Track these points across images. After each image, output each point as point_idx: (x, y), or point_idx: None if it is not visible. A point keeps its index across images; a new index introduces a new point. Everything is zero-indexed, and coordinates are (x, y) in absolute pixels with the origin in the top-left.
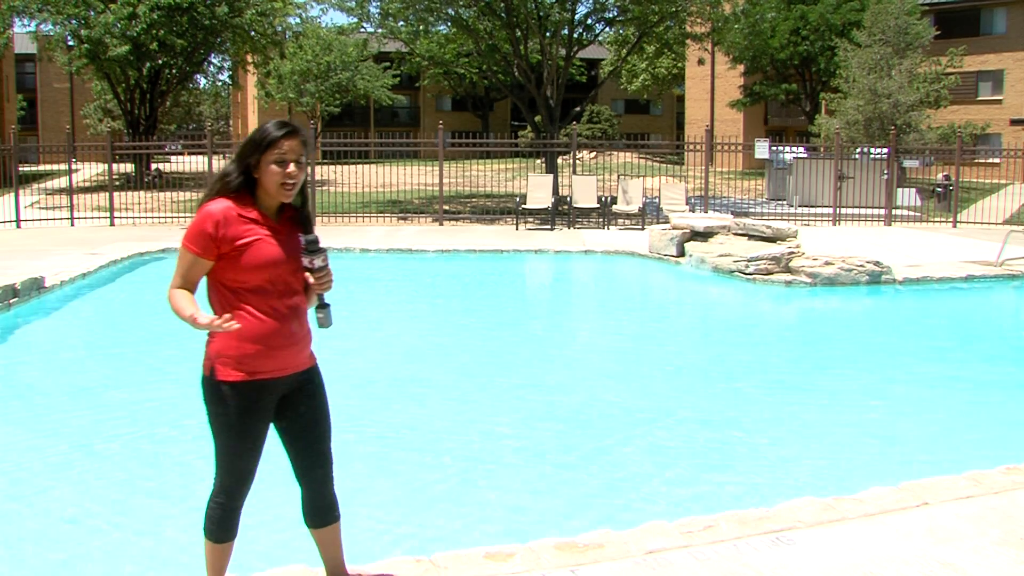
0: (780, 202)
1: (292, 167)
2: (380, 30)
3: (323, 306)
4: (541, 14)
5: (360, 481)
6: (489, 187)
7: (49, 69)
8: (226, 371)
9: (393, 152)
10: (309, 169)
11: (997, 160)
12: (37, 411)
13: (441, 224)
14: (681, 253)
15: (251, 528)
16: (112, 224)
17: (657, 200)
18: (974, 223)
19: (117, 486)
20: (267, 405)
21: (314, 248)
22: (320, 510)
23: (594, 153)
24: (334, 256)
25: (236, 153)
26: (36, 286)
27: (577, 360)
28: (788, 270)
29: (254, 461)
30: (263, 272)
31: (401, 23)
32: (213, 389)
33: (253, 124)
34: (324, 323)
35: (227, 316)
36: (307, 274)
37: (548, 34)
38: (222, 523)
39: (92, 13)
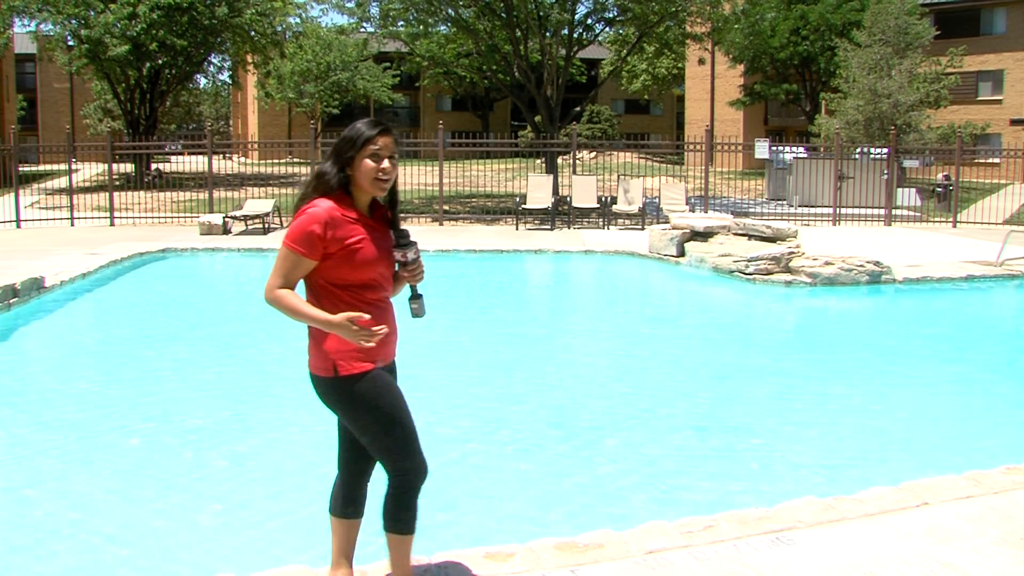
0: (780, 202)
1: (386, 162)
2: (380, 30)
3: (416, 296)
4: (541, 14)
5: None
6: (489, 187)
7: (49, 69)
8: (354, 364)
9: None
10: (308, 169)
11: (997, 160)
12: (37, 411)
13: (441, 224)
14: (681, 253)
15: (251, 528)
16: (112, 224)
17: (657, 200)
18: (974, 223)
19: (118, 485)
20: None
21: (406, 242)
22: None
23: (594, 153)
24: None
25: (331, 153)
26: (36, 286)
27: (576, 360)
28: (788, 270)
29: (415, 430)
30: (371, 269)
31: (401, 23)
32: (343, 386)
33: (253, 124)
34: (418, 313)
35: (372, 322)
36: (399, 267)
37: (548, 34)
38: (411, 508)
39: (92, 13)
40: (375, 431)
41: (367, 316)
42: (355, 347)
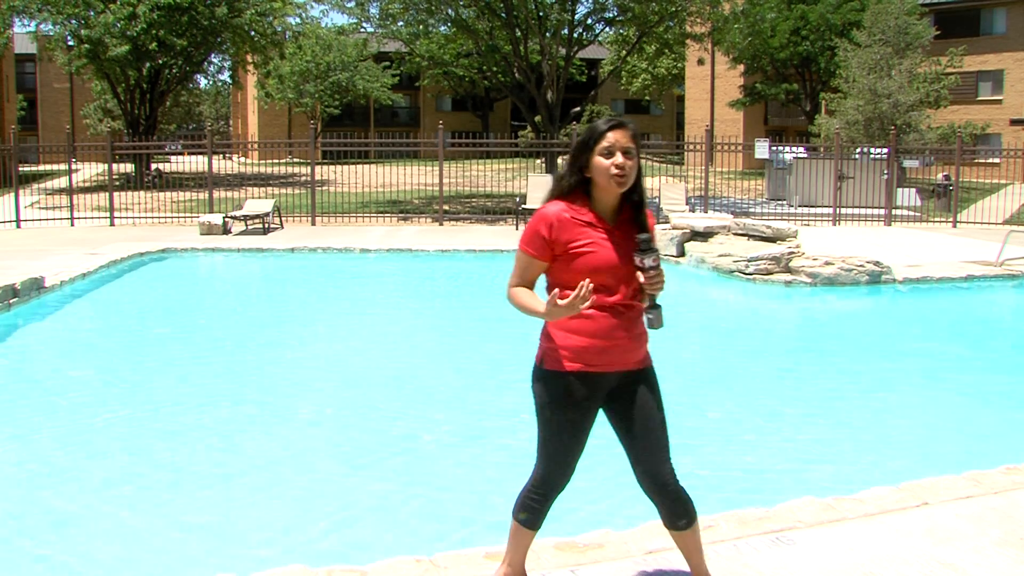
0: (780, 202)
1: (619, 157)
2: (380, 30)
3: (654, 307)
4: (541, 14)
5: (360, 481)
6: (489, 187)
7: (49, 69)
8: (561, 362)
9: (393, 152)
10: (308, 169)
11: (997, 160)
12: (37, 411)
13: (441, 224)
14: (681, 253)
15: (251, 527)
16: (112, 224)
17: (657, 200)
18: (974, 223)
19: (117, 485)
20: (593, 398)
21: (645, 247)
22: (668, 514)
23: None
24: (333, 256)
25: (569, 155)
26: (36, 286)
27: None
28: (788, 270)
29: (575, 454)
30: (597, 275)
31: (401, 23)
32: (540, 376)
33: (253, 124)
34: (654, 324)
35: (583, 284)
36: (639, 273)
37: (548, 34)
38: (534, 512)
39: (92, 13)
40: (546, 430)
41: (570, 294)
42: (564, 346)
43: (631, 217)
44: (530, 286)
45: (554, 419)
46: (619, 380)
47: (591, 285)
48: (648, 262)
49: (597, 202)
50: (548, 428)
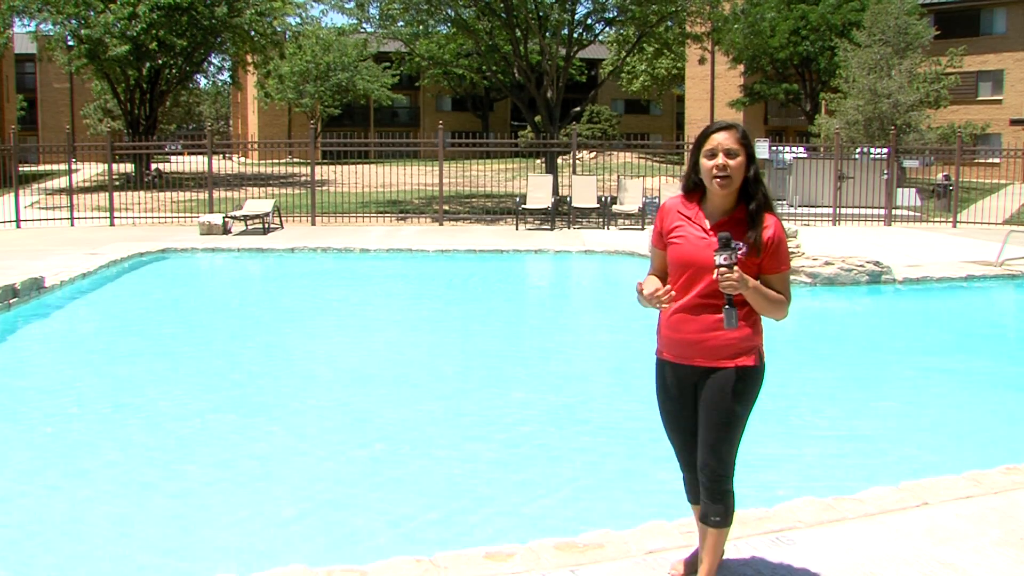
0: (780, 202)
1: (720, 158)
2: (380, 30)
3: (728, 305)
4: (541, 14)
5: (360, 480)
6: (489, 187)
7: (49, 69)
8: (657, 349)
9: (393, 152)
10: (308, 169)
11: (997, 160)
12: (37, 411)
13: (441, 224)
14: None
15: (251, 527)
16: (112, 224)
17: (657, 200)
18: (974, 223)
19: (117, 484)
20: (676, 388)
21: (722, 244)
22: (702, 506)
23: (594, 153)
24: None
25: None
26: (36, 286)
27: (576, 360)
28: None
29: (676, 441)
30: (680, 268)
31: (401, 23)
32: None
33: (253, 124)
34: (725, 322)
35: (666, 289)
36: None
37: (548, 34)
38: (685, 486)
39: (92, 13)
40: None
41: (667, 298)
42: (659, 335)
43: (742, 220)
44: (660, 274)
45: (658, 403)
46: (700, 376)
47: (673, 293)
48: (720, 259)
49: (708, 202)
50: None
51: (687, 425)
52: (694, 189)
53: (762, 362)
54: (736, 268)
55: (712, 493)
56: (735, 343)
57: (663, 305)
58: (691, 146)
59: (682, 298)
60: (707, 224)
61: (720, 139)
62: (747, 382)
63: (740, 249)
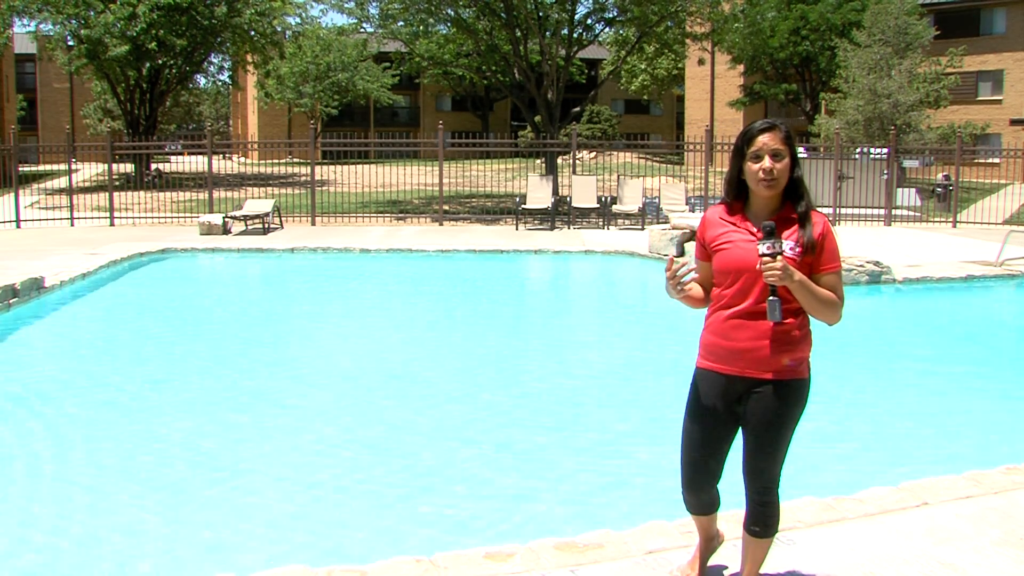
0: None
1: (766, 160)
2: (380, 30)
3: (772, 296)
4: (541, 14)
5: (359, 480)
6: (489, 187)
7: (49, 69)
8: (698, 357)
9: (393, 152)
10: (308, 169)
11: (997, 160)
12: (36, 411)
13: (441, 224)
14: (681, 253)
15: (251, 527)
16: (112, 224)
17: (657, 200)
18: (974, 223)
19: (117, 484)
20: (715, 399)
21: (767, 234)
22: (747, 516)
23: (594, 153)
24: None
25: (730, 158)
26: (36, 286)
27: (576, 360)
28: None
29: (698, 454)
30: (730, 275)
31: (400, 23)
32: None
33: (253, 124)
34: (768, 314)
35: (683, 263)
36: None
37: (548, 34)
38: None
39: (92, 13)
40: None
41: (690, 276)
42: (702, 342)
43: (790, 220)
44: (705, 285)
45: (687, 412)
46: (747, 388)
47: (693, 266)
48: (763, 248)
49: (752, 205)
50: (684, 419)
51: (717, 441)
52: (737, 198)
53: (809, 373)
54: (780, 258)
55: (758, 504)
56: (786, 352)
57: (685, 287)
58: (733, 148)
59: (738, 305)
60: (753, 228)
61: (765, 140)
62: (799, 395)
63: (793, 248)
